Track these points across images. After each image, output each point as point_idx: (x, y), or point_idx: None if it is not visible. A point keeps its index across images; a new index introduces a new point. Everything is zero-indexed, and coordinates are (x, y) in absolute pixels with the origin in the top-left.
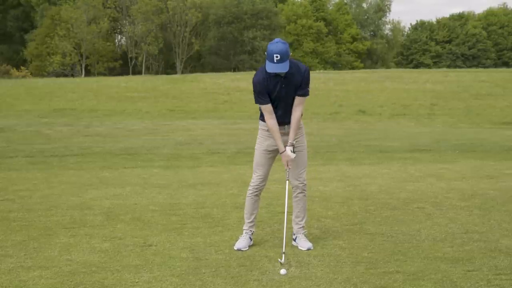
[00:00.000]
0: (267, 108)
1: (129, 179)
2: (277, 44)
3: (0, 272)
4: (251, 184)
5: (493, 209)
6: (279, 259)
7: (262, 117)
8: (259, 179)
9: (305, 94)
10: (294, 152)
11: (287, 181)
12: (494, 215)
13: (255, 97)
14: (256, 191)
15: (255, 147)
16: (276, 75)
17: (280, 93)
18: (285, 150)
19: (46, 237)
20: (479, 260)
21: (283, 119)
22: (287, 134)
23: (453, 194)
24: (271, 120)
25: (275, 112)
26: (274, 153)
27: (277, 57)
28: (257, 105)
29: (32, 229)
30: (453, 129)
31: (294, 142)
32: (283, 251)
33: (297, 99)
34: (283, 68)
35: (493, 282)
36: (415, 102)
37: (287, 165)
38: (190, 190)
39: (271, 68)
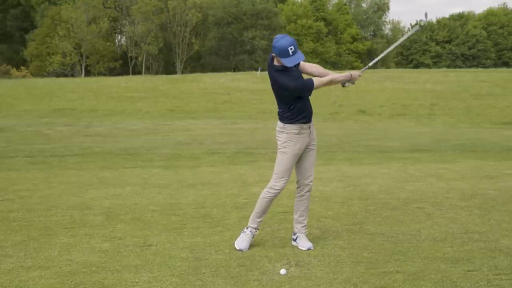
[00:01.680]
0: (313, 81)
1: (129, 179)
2: (284, 38)
3: (0, 272)
4: (275, 188)
5: (493, 209)
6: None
7: (289, 120)
8: (284, 183)
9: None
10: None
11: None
12: (494, 215)
13: (300, 86)
14: (276, 195)
15: (284, 151)
16: (295, 67)
17: None
18: (350, 73)
19: (46, 237)
20: (479, 260)
21: (311, 114)
22: (311, 133)
23: (453, 194)
24: (318, 81)
25: (306, 110)
26: (299, 156)
27: (291, 49)
28: (258, 106)
29: (32, 229)
30: (453, 129)
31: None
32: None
33: (307, 65)
34: (300, 57)
35: (493, 282)
36: (415, 102)
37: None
38: (190, 190)
39: (290, 62)
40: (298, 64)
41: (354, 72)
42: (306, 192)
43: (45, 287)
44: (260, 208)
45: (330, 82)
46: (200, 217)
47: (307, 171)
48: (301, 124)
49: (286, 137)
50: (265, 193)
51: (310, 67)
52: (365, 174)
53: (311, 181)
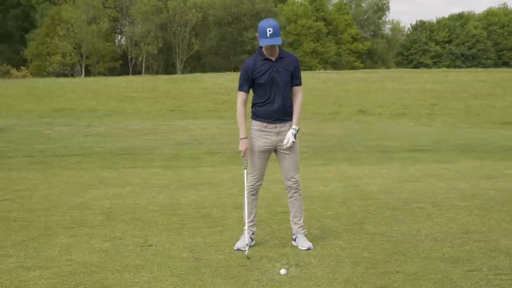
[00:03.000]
0: (243, 96)
1: (129, 179)
2: (268, 20)
3: (0, 272)
4: (247, 184)
5: (493, 209)
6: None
7: (253, 116)
8: (254, 179)
9: (300, 83)
10: (295, 137)
11: (244, 171)
12: (494, 215)
13: (239, 82)
14: (253, 191)
15: (250, 147)
16: (267, 59)
17: (272, 78)
18: (245, 138)
19: (46, 237)
20: (479, 260)
21: (278, 113)
22: (279, 133)
23: (453, 194)
24: (242, 107)
25: (271, 102)
26: (267, 153)
27: (269, 31)
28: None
29: (32, 229)
30: (453, 129)
31: (298, 127)
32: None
33: (295, 89)
34: (277, 41)
35: (493, 282)
36: (415, 102)
37: (245, 154)
38: (190, 190)
39: (265, 42)
40: (289, 69)
41: (244, 142)
42: (293, 193)
43: (45, 287)
44: (244, 208)
45: (238, 117)
46: (200, 217)
47: (287, 173)
48: (263, 123)
49: (251, 134)
50: (245, 192)
51: (295, 93)
52: (365, 174)
53: (295, 183)
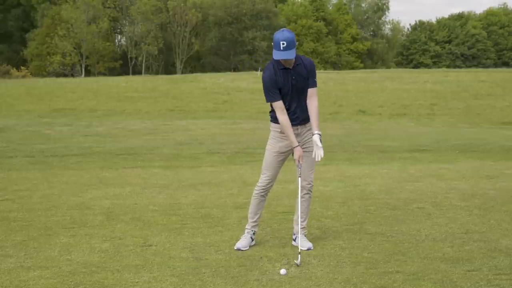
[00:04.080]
0: (279, 105)
1: (129, 179)
2: (283, 32)
3: (0, 272)
4: (259, 184)
5: (493, 209)
6: (295, 261)
7: (274, 119)
8: (267, 179)
9: (315, 84)
10: (321, 141)
11: (299, 178)
12: (494, 215)
13: (265, 95)
14: (263, 192)
15: (267, 148)
16: (285, 68)
17: (291, 87)
18: (298, 145)
19: (46, 237)
20: (479, 260)
21: (298, 118)
22: (299, 135)
23: (453, 194)
24: (283, 116)
25: (291, 110)
26: (285, 155)
27: (283, 44)
28: (258, 106)
29: (32, 229)
30: (453, 129)
31: (319, 132)
32: (299, 251)
33: (310, 91)
34: (290, 55)
35: (493, 282)
36: (415, 102)
37: (299, 162)
38: (190, 190)
39: (278, 55)
40: (305, 78)
41: (298, 150)
42: (305, 194)
43: (45, 287)
44: (251, 207)
45: (283, 128)
46: (200, 217)
47: (303, 174)
48: None
49: (271, 135)
50: (254, 191)
51: (310, 96)
52: (365, 174)
53: (309, 184)
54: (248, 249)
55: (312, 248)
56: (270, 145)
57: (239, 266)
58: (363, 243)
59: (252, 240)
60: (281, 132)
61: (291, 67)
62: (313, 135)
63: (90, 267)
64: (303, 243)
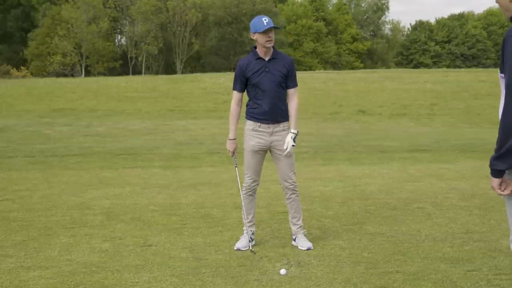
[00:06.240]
0: (236, 95)
1: (129, 179)
2: (260, 15)
3: (0, 272)
4: (244, 185)
5: (493, 209)
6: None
7: (246, 115)
8: (250, 179)
9: (295, 84)
10: (294, 141)
11: (236, 169)
12: (494, 215)
13: (233, 82)
14: (249, 191)
15: (243, 147)
16: (260, 59)
17: (264, 77)
18: (233, 139)
19: (46, 237)
20: (479, 260)
21: (271, 115)
22: (273, 134)
23: (453, 194)
24: (235, 106)
25: (263, 105)
26: (261, 153)
27: (265, 20)
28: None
29: (32, 229)
30: (453, 129)
31: (296, 131)
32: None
33: (290, 92)
34: (274, 25)
35: (493, 282)
36: (415, 102)
37: (233, 153)
38: (190, 190)
39: (264, 27)
40: (287, 71)
41: (229, 143)
42: (291, 194)
43: (45, 287)
44: (242, 208)
45: (230, 117)
46: (200, 217)
47: (283, 174)
48: (256, 123)
49: (244, 134)
50: (241, 192)
51: (290, 96)
52: (365, 174)
53: (292, 184)
54: (248, 249)
55: (312, 248)
56: (245, 143)
57: (239, 266)
58: (363, 243)
59: (252, 240)
60: (253, 130)
61: (267, 59)
62: (288, 131)
63: (90, 267)
64: (302, 243)
